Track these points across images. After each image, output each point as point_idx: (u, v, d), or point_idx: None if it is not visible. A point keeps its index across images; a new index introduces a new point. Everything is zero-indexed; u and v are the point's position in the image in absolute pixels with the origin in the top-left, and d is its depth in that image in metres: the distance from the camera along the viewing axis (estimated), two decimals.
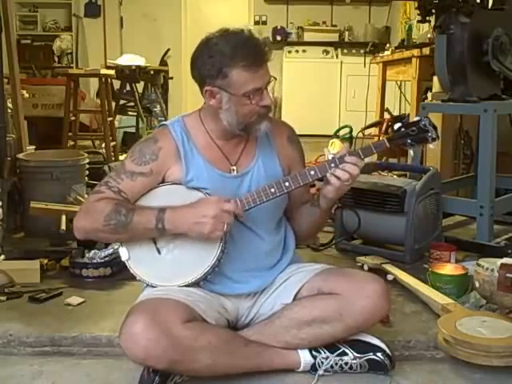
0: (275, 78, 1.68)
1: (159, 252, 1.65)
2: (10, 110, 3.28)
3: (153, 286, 1.65)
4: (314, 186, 2.75)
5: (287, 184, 1.62)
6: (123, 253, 1.66)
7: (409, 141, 1.67)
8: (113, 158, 4.34)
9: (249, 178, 1.73)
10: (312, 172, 1.64)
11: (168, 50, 6.99)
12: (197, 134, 1.72)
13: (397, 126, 1.68)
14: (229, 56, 1.57)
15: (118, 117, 5.53)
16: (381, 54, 4.59)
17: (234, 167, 1.73)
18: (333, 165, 1.62)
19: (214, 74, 1.60)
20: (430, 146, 1.69)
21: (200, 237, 1.57)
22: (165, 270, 1.65)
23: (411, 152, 1.75)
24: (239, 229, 1.68)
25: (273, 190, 1.61)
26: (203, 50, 1.62)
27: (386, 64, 4.36)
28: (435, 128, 1.67)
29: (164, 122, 1.78)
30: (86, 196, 2.92)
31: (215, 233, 1.55)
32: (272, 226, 1.78)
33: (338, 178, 1.61)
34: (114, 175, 1.69)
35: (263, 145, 1.77)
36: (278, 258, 1.79)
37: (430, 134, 1.66)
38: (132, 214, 1.58)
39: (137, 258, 1.66)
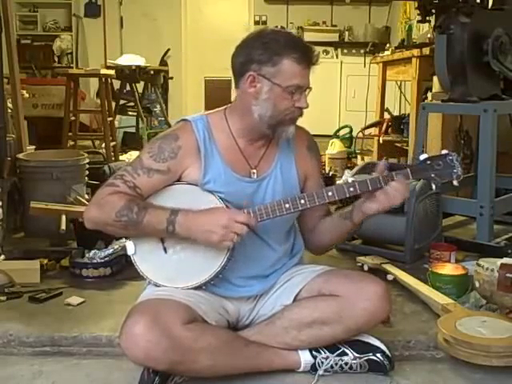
0: (310, 88, 1.67)
1: (165, 251, 1.64)
2: (10, 110, 3.28)
3: (155, 285, 1.65)
4: None
5: (302, 202, 1.60)
6: (130, 247, 1.65)
7: (432, 175, 1.62)
8: (113, 158, 4.34)
9: (265, 184, 1.71)
10: (330, 193, 1.61)
11: (168, 50, 6.98)
12: (219, 133, 1.69)
13: (422, 157, 1.63)
14: (283, 45, 1.58)
15: (118, 117, 5.53)
16: (381, 54, 4.59)
17: (255, 171, 1.70)
18: (378, 185, 1.59)
19: (264, 60, 1.58)
20: (454, 182, 1.63)
21: (208, 245, 1.56)
22: (168, 271, 1.64)
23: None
24: (251, 238, 1.66)
25: (287, 205, 1.59)
26: (255, 38, 1.62)
27: (386, 64, 4.36)
28: (461, 164, 1.62)
29: (186, 117, 1.71)
30: (86, 196, 2.93)
31: (224, 242, 1.53)
32: (283, 236, 1.77)
33: (390, 200, 1.59)
34: (130, 169, 1.65)
35: (283, 151, 1.75)
36: (284, 263, 1.78)
37: (455, 171, 1.61)
38: (144, 212, 1.56)
39: (142, 254, 1.65)
